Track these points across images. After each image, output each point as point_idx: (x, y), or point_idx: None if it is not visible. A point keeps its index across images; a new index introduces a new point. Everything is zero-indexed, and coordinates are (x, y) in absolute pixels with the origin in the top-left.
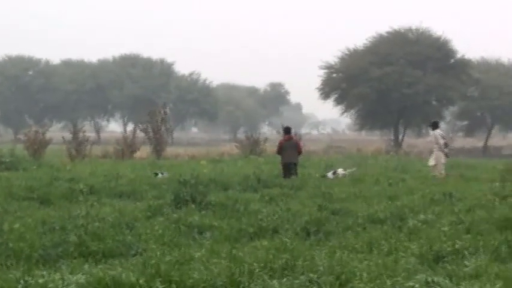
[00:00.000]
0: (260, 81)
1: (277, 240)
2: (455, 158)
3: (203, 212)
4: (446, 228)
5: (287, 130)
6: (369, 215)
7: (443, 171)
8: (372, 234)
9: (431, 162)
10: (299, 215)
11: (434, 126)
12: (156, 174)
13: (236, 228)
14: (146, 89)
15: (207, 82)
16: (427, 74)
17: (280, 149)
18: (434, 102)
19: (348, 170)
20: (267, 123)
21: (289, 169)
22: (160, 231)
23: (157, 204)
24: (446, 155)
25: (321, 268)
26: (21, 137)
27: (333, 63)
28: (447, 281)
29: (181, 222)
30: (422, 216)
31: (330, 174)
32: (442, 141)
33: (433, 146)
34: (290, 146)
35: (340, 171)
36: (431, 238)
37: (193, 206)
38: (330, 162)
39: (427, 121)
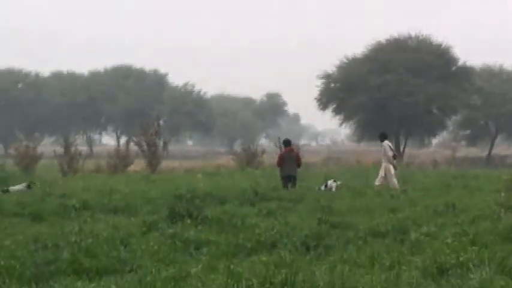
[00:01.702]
0: (256, 92)
1: (276, 255)
2: (459, 168)
3: (199, 227)
4: (449, 241)
5: (287, 142)
6: (370, 228)
7: (395, 183)
8: (373, 247)
9: (381, 173)
10: (298, 229)
11: (383, 137)
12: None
13: (233, 243)
14: (139, 101)
15: (202, 93)
16: (428, 82)
17: (281, 162)
18: (435, 111)
19: (337, 183)
20: (264, 135)
21: (289, 181)
22: (155, 247)
23: (152, 219)
24: (395, 167)
25: (322, 283)
26: (12, 151)
27: (330, 72)
28: None
29: (177, 237)
30: (425, 229)
31: (322, 187)
32: (390, 153)
33: (381, 157)
34: (290, 158)
35: (330, 183)
36: (435, 251)
37: (189, 221)
38: (329, 175)
39: (429, 131)
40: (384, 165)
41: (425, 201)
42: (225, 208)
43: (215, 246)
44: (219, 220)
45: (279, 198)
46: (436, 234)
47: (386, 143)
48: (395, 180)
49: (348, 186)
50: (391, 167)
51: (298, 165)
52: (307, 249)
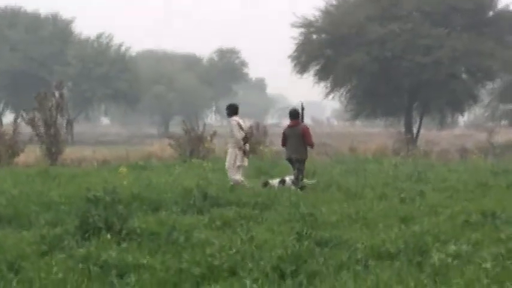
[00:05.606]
0: (203, 49)
1: (237, 286)
2: (500, 159)
3: (124, 245)
4: (489, 265)
5: (293, 114)
6: (373, 247)
7: (238, 179)
8: (378, 275)
9: (228, 162)
10: (268, 247)
11: (232, 111)
12: None
13: (174, 269)
14: (32, 60)
15: (123, 49)
16: (454, 34)
17: (284, 140)
18: (464, 76)
19: (309, 181)
20: (214, 109)
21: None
22: (60, 275)
23: (54, 234)
24: (245, 154)
25: None
26: None
27: (312, 18)
28: None
29: (91, 260)
30: (452, 248)
31: (275, 182)
32: (239, 134)
33: (228, 139)
34: (293, 135)
35: (288, 180)
36: (468, 280)
37: (108, 235)
38: (311, 168)
39: (454, 105)
40: (230, 151)
41: (452, 207)
42: (160, 217)
43: (147, 273)
44: (152, 234)
45: (239, 203)
46: (469, 255)
47: (235, 119)
48: (238, 175)
49: (338, 186)
50: (240, 154)
51: (308, 144)
52: (282, 276)
